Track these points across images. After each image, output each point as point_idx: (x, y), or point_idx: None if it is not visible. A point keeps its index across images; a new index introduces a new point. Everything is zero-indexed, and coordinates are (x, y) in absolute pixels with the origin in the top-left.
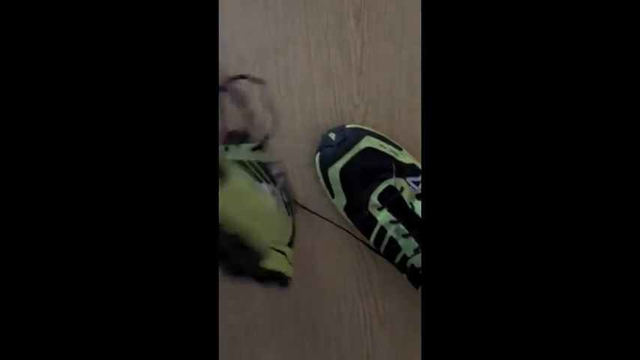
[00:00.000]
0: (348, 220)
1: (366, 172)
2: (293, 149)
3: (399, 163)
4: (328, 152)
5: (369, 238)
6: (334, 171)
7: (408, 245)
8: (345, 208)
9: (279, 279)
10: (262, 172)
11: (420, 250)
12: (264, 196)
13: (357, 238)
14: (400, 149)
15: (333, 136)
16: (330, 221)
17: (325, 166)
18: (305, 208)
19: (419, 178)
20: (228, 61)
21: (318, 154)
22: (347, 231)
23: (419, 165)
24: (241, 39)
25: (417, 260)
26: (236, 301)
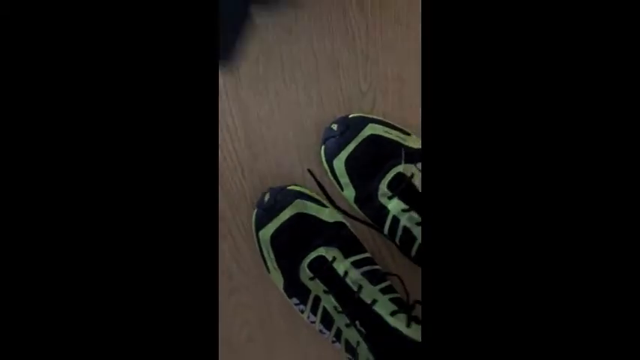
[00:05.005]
0: (360, 212)
1: (373, 160)
2: (301, 142)
3: (408, 149)
4: (332, 144)
5: (382, 228)
6: (339, 162)
7: None
8: (356, 200)
9: None
10: None
11: None
12: None
13: (372, 227)
14: (408, 134)
15: (335, 127)
16: (345, 213)
17: (330, 158)
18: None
19: None
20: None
21: (323, 147)
22: (361, 221)
23: None
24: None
25: None
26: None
